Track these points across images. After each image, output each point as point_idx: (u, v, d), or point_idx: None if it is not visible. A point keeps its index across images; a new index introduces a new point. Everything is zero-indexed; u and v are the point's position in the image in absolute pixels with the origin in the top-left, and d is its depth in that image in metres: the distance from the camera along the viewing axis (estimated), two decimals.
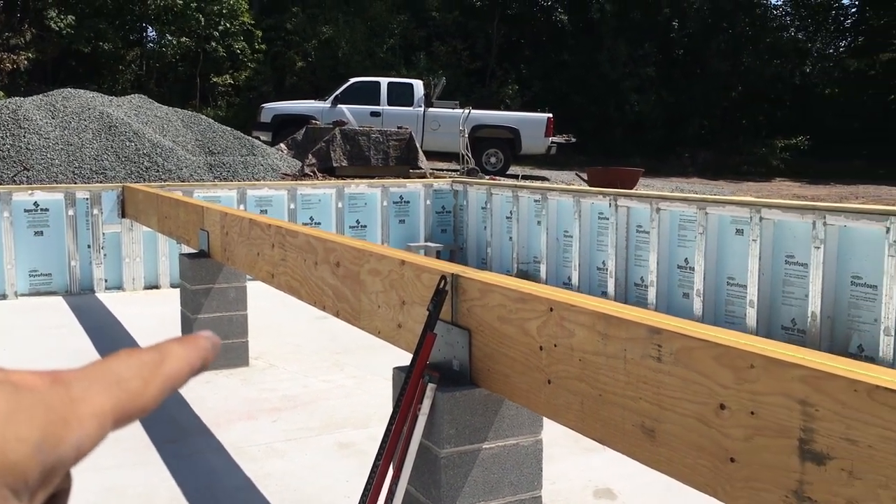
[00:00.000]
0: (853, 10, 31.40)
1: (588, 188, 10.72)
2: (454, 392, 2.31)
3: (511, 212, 8.85)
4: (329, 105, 17.21)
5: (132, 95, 13.15)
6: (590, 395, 1.91)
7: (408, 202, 9.54)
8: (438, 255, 9.35)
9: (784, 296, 6.12)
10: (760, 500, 1.49)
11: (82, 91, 12.51)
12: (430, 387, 2.29)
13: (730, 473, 1.55)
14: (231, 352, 5.06)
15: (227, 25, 25.37)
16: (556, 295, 2.08)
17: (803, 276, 5.89)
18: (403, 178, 11.54)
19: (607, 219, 7.62)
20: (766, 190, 20.40)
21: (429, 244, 9.50)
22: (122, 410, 0.38)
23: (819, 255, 5.68)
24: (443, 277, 2.43)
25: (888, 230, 5.22)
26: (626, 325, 1.81)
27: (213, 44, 25.55)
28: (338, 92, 17.62)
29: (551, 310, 2.04)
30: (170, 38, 25.47)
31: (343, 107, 17.06)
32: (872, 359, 5.41)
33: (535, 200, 8.55)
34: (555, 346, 2.03)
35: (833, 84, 29.41)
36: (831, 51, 31.39)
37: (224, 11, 24.87)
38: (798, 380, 1.43)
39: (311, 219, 8.85)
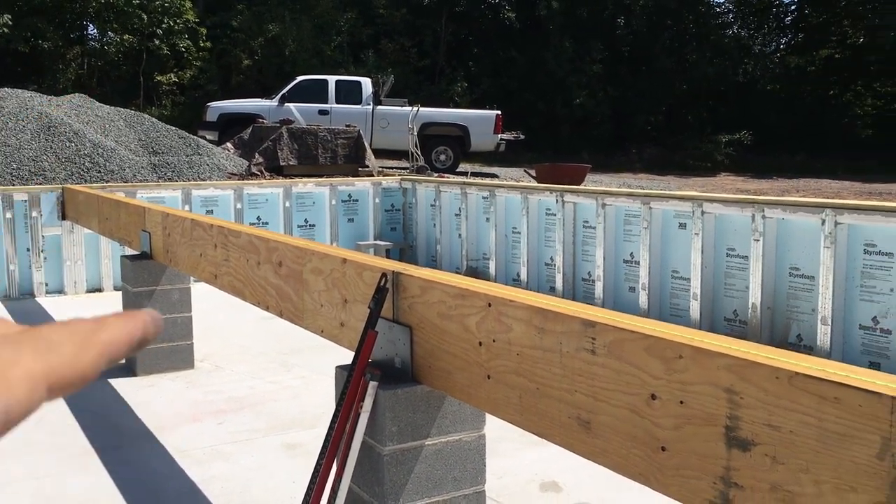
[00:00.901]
0: (793, 7, 32.18)
1: (536, 185, 10.81)
2: (396, 389, 2.31)
3: (460, 209, 8.88)
4: (276, 104, 17.05)
5: (72, 95, 12.85)
6: (528, 389, 1.93)
7: (357, 201, 9.50)
8: (388, 254, 9.34)
9: (726, 288, 6.25)
10: (690, 487, 1.52)
11: (20, 91, 12.19)
12: (372, 385, 2.29)
13: (661, 462, 1.59)
14: (176, 354, 4.99)
15: (171, 23, 24.95)
16: (493, 290, 2.10)
17: (744, 269, 6.02)
18: (352, 176, 11.50)
19: (554, 215, 7.69)
20: (711, 184, 20.79)
21: (378, 242, 9.48)
22: (57, 376, 0.36)
23: (759, 247, 5.81)
24: (384, 275, 2.43)
25: (823, 222, 5.36)
26: (561, 318, 1.83)
27: (157, 42, 25.11)
28: (285, 90, 17.46)
29: (490, 305, 2.05)
30: (112, 35, 24.96)
31: (290, 105, 16.91)
32: (811, 348, 5.56)
33: (484, 197, 8.59)
34: (493, 341, 2.04)
35: (774, 81, 30.08)
36: (772, 48, 32.11)
37: (167, 6, 24.43)
38: (724, 368, 1.46)
39: (259, 219, 8.77)
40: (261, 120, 14.76)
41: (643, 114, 27.80)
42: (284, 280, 3.13)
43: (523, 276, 8.01)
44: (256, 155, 11.91)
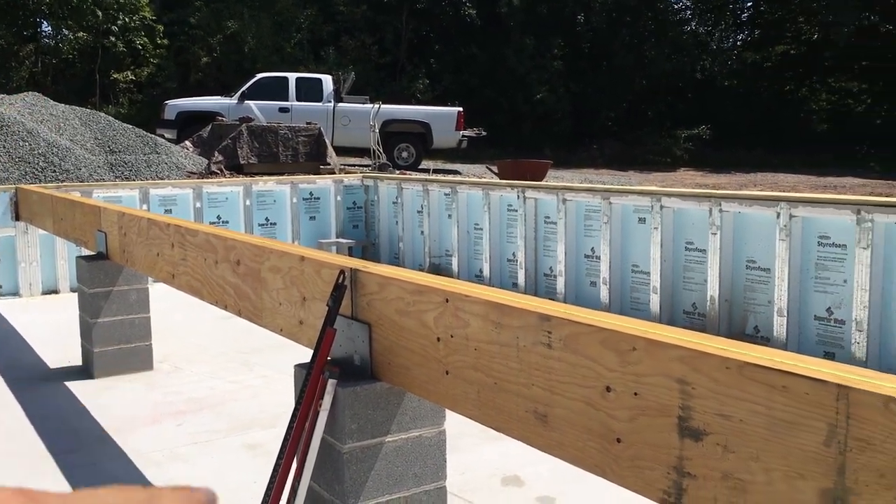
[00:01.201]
0: (749, 4, 32.66)
1: (497, 181, 10.84)
2: (355, 387, 2.30)
3: (422, 206, 8.87)
4: (236, 101, 16.88)
5: (26, 93, 12.60)
6: (486, 384, 1.94)
7: (318, 198, 9.45)
8: (350, 251, 9.31)
9: (685, 281, 6.33)
10: (645, 477, 1.54)
11: None
12: (331, 382, 2.27)
13: (616, 453, 1.60)
14: (134, 356, 4.92)
15: (127, 20, 24.56)
16: (451, 286, 2.10)
17: (702, 262, 6.10)
18: (313, 174, 11.42)
19: (516, 211, 7.72)
20: (671, 179, 21.01)
21: (340, 240, 9.43)
22: None
23: (716, 240, 5.89)
24: (342, 272, 2.42)
25: (778, 215, 5.45)
26: (517, 313, 1.84)
27: (113, 39, 24.70)
28: (244, 88, 17.29)
29: (447, 301, 2.05)
30: (66, 33, 24.49)
31: (250, 103, 16.75)
32: (767, 339, 5.65)
33: (446, 194, 8.60)
34: (451, 336, 2.05)
35: (732, 76, 30.49)
36: (729, 44, 32.57)
37: (122, 3, 24.03)
38: (676, 360, 1.48)
39: (219, 217, 8.67)
40: (220, 118, 14.60)
41: (604, 109, 28.02)
42: (242, 279, 3.10)
43: (486, 272, 8.03)
44: (216, 153, 11.78)
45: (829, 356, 5.33)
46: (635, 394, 1.56)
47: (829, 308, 5.36)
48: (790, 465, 1.30)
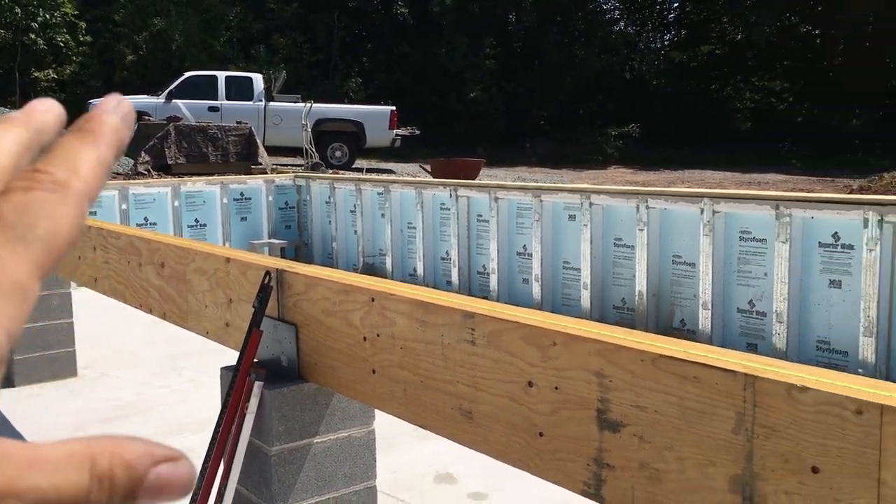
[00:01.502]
0: (675, 5, 33.41)
1: (430, 179, 10.86)
2: (282, 388, 2.28)
3: (355, 205, 8.83)
4: (163, 100, 16.52)
5: None
6: (412, 382, 1.95)
7: (249, 199, 9.32)
8: (283, 252, 9.21)
9: (614, 277, 6.45)
10: (566, 470, 1.57)
11: None
12: (257, 385, 2.25)
13: (539, 447, 1.63)
14: (57, 362, 4.78)
15: (48, 16, 23.79)
16: (376, 285, 2.10)
17: (630, 258, 6.22)
18: (245, 174, 11.26)
19: (449, 209, 7.75)
20: (603, 177, 21.37)
21: (273, 241, 9.33)
22: (45, 266, 0.30)
23: (643, 236, 6.02)
24: (267, 273, 2.40)
25: (702, 211, 5.60)
26: (442, 311, 1.85)
27: (33, 36, 23.89)
28: (172, 86, 16.93)
29: (373, 300, 2.05)
30: None
31: (178, 102, 16.41)
32: (693, 332, 5.81)
33: (379, 193, 8.58)
34: (377, 335, 2.05)
35: (659, 76, 31.14)
36: (657, 44, 33.24)
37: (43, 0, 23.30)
38: (594, 353, 1.51)
39: (146, 219, 8.49)
40: (147, 117, 14.27)
41: (536, 108, 28.31)
42: (167, 281, 3.04)
43: (419, 271, 8.04)
44: (142, 153, 11.52)
45: (751, 347, 5.50)
46: (556, 388, 1.59)
47: (751, 301, 5.53)
48: (702, 453, 1.34)
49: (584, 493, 1.54)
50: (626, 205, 6.17)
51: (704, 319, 5.65)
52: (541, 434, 1.62)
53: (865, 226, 4.75)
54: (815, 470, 1.20)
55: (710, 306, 5.62)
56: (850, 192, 11.53)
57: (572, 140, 26.64)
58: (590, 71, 28.16)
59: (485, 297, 7.57)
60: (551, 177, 20.27)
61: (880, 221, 4.70)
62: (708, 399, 1.34)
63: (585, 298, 6.48)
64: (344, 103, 21.00)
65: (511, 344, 1.69)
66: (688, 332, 5.86)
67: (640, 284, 6.06)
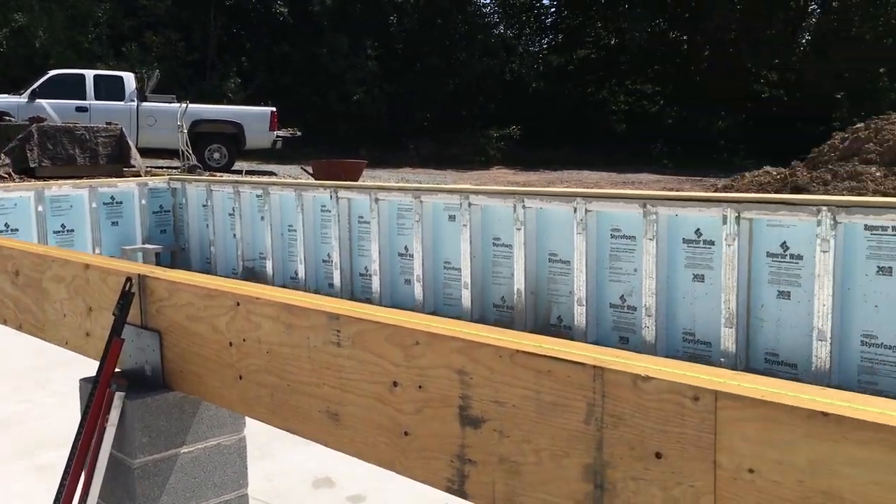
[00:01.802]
0: (552, 10, 34.29)
1: (310, 181, 10.74)
2: (146, 398, 2.21)
3: (233, 208, 8.64)
4: (25, 100, 15.64)
5: None
6: (279, 387, 1.92)
7: (121, 203, 8.96)
8: (158, 258, 8.90)
9: (494, 276, 6.56)
10: (430, 467, 1.59)
11: None
12: (118, 395, 2.17)
13: (404, 446, 1.64)
14: None
15: None
16: (241, 289, 2.06)
17: (508, 257, 6.35)
18: (116, 177, 10.80)
19: (329, 211, 7.69)
20: (486, 177, 21.69)
21: (147, 246, 9.00)
22: None
23: (521, 235, 6.15)
24: (128, 279, 2.31)
25: (575, 210, 5.77)
26: (307, 313, 1.84)
27: None
28: (35, 85, 16.05)
29: (238, 304, 2.01)
30: None
31: (43, 101, 15.58)
32: (569, 328, 5.98)
33: (258, 196, 8.42)
34: (244, 340, 2.01)
35: (539, 79, 31.88)
36: (535, 48, 34.03)
37: None
38: (456, 351, 1.54)
39: (7, 225, 8.02)
40: (7, 118, 13.48)
41: (419, 110, 28.45)
42: (23, 290, 2.89)
43: (301, 274, 7.94)
44: (2, 156, 10.87)
45: (623, 341, 5.72)
46: (420, 387, 1.60)
47: (623, 296, 5.74)
48: (557, 445, 1.38)
49: (449, 490, 1.56)
50: (504, 205, 6.28)
51: (579, 315, 5.82)
52: (406, 433, 1.63)
53: (724, 222, 5.01)
54: (658, 455, 1.26)
55: (584, 302, 5.79)
56: (715, 191, 12.15)
57: (455, 141, 26.93)
58: (471, 73, 28.53)
59: (367, 300, 7.55)
60: (435, 178, 20.41)
61: (738, 218, 4.98)
62: (561, 392, 1.38)
63: (466, 298, 6.57)
64: (222, 104, 20.49)
65: (375, 344, 1.69)
66: (564, 329, 6.03)
67: (519, 283, 6.19)
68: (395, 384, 1.66)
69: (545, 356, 1.40)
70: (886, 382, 4.65)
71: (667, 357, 4.63)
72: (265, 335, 1.95)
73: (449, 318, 6.41)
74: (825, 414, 1.10)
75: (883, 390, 4.66)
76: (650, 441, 1.27)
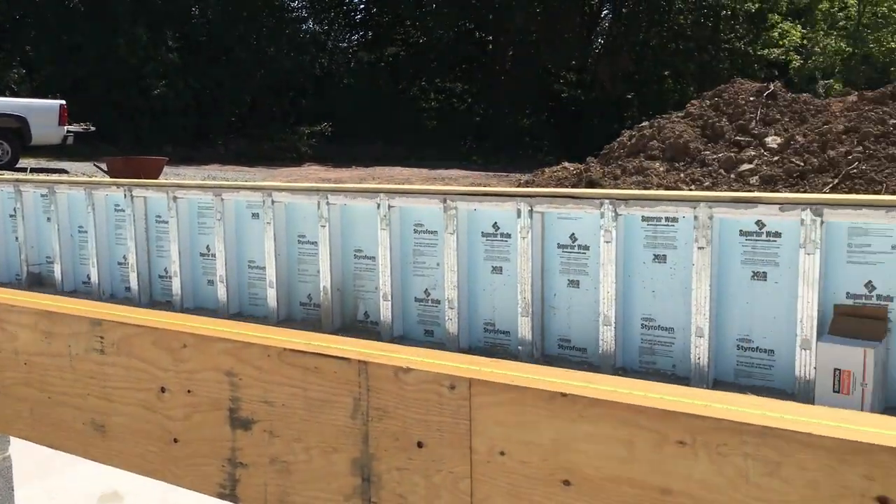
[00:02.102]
0: (361, 6, 34.33)
1: (102, 179, 10.13)
2: None
3: (15, 209, 7.98)
4: None
5: None
6: (39, 400, 1.79)
7: None
8: None
9: (300, 274, 6.48)
10: (201, 473, 1.54)
11: None
12: None
13: (174, 454, 1.58)
14: None
15: None
16: None
17: (314, 254, 6.29)
18: None
19: (124, 211, 7.28)
20: (297, 174, 21.38)
21: None
22: None
23: (325, 232, 6.11)
24: None
25: (379, 206, 5.82)
26: (68, 320, 1.72)
27: None
28: None
29: None
30: None
31: None
32: (376, 323, 6.02)
33: (42, 195, 7.83)
34: None
35: (350, 75, 31.83)
36: (345, 44, 33.94)
37: None
38: (224, 353, 1.50)
39: None
40: None
41: (227, 105, 27.57)
42: None
43: (94, 277, 7.48)
44: None
45: (428, 334, 5.83)
46: (189, 391, 1.55)
47: (427, 290, 5.86)
48: (326, 441, 1.38)
49: (220, 496, 1.52)
50: (308, 202, 6.22)
51: (385, 310, 5.87)
52: (176, 440, 1.57)
53: (519, 216, 5.23)
54: (420, 444, 1.29)
55: (390, 297, 5.85)
56: (518, 186, 12.66)
57: (266, 138, 26.36)
58: (280, 68, 28.00)
59: (168, 303, 7.23)
60: (244, 175, 19.86)
61: (531, 211, 5.21)
62: (329, 388, 1.38)
63: (272, 297, 6.45)
64: (5, 96, 18.86)
65: (142, 350, 1.61)
66: (371, 325, 6.07)
67: (325, 280, 6.15)
68: (163, 390, 1.59)
69: (312, 353, 1.39)
70: (663, 361, 5.04)
71: (470, 348, 4.78)
72: (23, 345, 1.81)
73: (254, 318, 6.26)
74: (564, 394, 1.17)
75: (661, 369, 5.06)
76: (413, 431, 1.30)
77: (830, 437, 0.98)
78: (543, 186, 11.30)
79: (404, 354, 1.35)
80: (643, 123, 12.62)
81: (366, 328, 6.07)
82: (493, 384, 1.22)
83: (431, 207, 5.66)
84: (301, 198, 6.28)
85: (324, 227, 6.11)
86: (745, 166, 10.27)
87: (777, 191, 9.40)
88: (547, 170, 13.03)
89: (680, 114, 12.30)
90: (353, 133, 27.78)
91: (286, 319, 6.39)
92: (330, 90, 30.06)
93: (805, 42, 28.69)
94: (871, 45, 27.77)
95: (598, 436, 1.13)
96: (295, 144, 26.33)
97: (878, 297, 4.38)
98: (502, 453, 1.22)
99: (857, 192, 8.72)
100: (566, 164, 13.22)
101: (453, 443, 1.25)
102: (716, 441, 1.06)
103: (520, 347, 5.30)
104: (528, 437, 1.20)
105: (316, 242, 6.25)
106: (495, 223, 5.49)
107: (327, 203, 6.07)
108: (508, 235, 5.44)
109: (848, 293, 4.47)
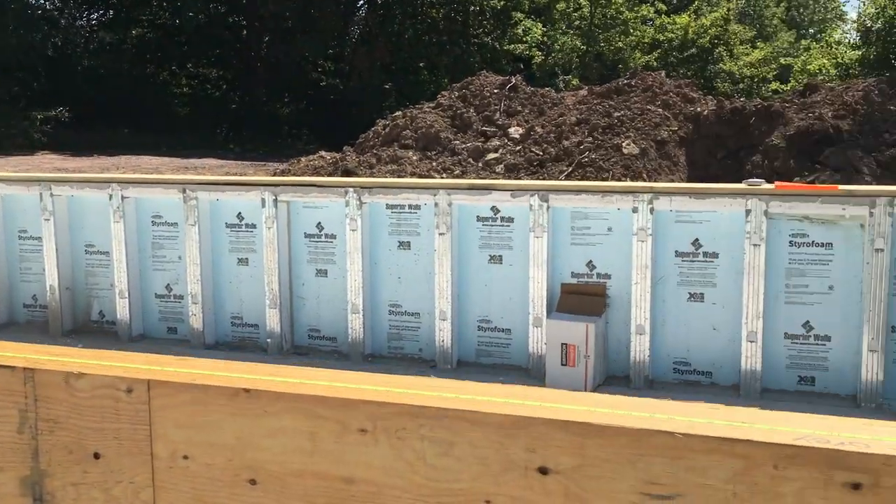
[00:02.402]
0: None
1: None
2: None
3: None
4: None
5: None
6: None
7: None
8: None
9: (23, 273, 5.90)
10: None
11: None
12: None
13: None
14: None
15: None
16: None
17: (38, 251, 5.75)
18: None
19: None
20: (28, 164, 19.46)
21: None
22: None
23: (50, 227, 5.60)
24: None
25: (111, 197, 5.42)
26: None
27: None
28: None
29: None
30: None
31: None
32: (113, 322, 5.62)
33: None
34: None
35: (90, 57, 29.45)
36: (83, 22, 31.36)
37: None
38: None
39: None
40: None
41: None
42: None
43: None
44: None
45: (171, 331, 5.54)
46: None
47: (168, 285, 5.56)
48: None
49: None
50: (28, 193, 5.67)
51: (123, 308, 5.50)
52: None
53: (263, 205, 5.10)
54: (97, 456, 1.19)
55: (127, 294, 5.49)
56: (274, 175, 12.41)
57: None
58: (6, 46, 25.30)
59: None
60: None
61: (276, 201, 5.10)
62: None
63: None
64: None
65: None
66: (108, 324, 5.66)
67: (52, 279, 5.64)
68: None
69: None
70: (410, 346, 5.16)
71: (217, 344, 4.57)
72: None
73: None
74: (247, 391, 1.12)
75: (408, 353, 5.18)
76: (88, 442, 1.19)
77: (497, 414, 1.02)
78: (299, 175, 11.16)
79: (77, 358, 1.23)
80: (396, 113, 12.84)
81: (102, 329, 5.65)
82: (173, 384, 1.15)
83: (170, 198, 5.37)
84: (19, 189, 5.70)
85: (48, 220, 5.59)
86: (492, 155, 10.78)
87: (520, 178, 9.98)
88: (304, 159, 12.88)
89: (431, 104, 12.66)
90: (94, 119, 25.76)
91: (8, 323, 5.79)
92: (67, 72, 27.64)
93: (546, 39, 30.67)
94: (602, 45, 30.28)
95: (282, 430, 1.10)
96: (26, 130, 23.96)
97: (598, 275, 4.77)
98: (186, 457, 1.15)
99: (588, 179, 9.47)
100: (323, 153, 13.15)
101: (132, 451, 1.16)
102: (395, 426, 1.06)
103: (269, 340, 5.18)
104: (212, 437, 1.13)
105: (40, 238, 5.71)
106: (239, 213, 5.32)
107: (51, 194, 5.56)
108: (254, 226, 5.29)
109: (573, 272, 4.82)
